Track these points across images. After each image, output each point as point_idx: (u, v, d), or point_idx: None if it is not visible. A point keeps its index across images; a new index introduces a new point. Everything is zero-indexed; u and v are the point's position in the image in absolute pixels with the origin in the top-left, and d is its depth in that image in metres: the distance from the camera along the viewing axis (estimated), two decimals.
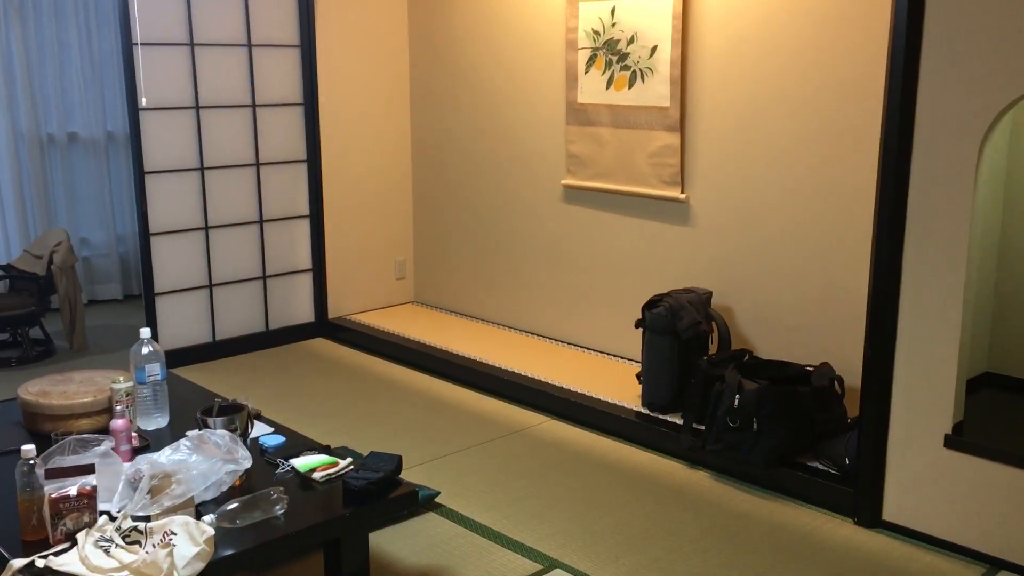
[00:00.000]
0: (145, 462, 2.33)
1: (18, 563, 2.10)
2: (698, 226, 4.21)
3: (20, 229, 5.84)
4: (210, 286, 4.98)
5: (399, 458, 2.61)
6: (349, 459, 2.65)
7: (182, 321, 4.91)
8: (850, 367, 3.58)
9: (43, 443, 2.53)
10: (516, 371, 4.44)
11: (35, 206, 5.91)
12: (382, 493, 2.52)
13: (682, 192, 4.22)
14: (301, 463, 2.62)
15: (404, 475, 2.65)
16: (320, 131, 5.19)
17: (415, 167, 5.61)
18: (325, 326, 5.40)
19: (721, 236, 4.12)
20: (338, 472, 2.58)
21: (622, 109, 4.38)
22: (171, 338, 4.84)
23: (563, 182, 4.74)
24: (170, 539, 2.15)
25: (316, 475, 2.57)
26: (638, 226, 4.47)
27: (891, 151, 2.94)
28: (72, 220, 6.09)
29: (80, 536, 2.17)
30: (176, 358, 4.73)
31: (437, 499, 3.29)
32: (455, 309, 5.52)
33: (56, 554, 2.13)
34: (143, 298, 4.82)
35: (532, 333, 5.06)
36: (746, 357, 3.76)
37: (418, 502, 2.67)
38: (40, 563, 2.10)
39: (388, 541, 3.00)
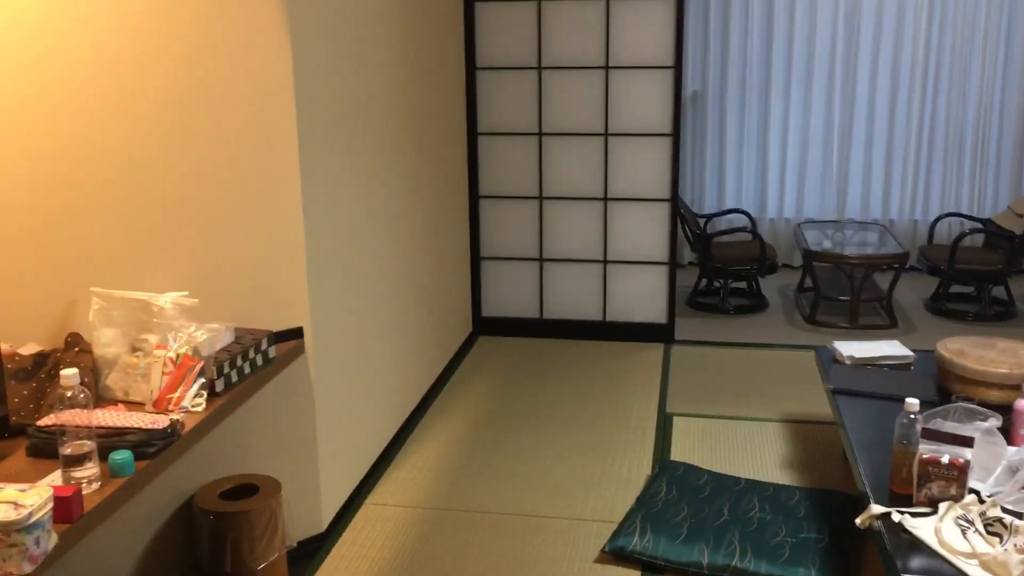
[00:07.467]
0: None
1: (878, 509, 2.14)
2: None
3: (1013, 184, 5.68)
4: None
5: None
6: None
7: None
8: None
9: (945, 402, 2.49)
10: None
11: None
12: None
13: None
14: None
15: None
16: None
17: None
18: None
19: None
20: None
21: None
22: None
23: None
24: None
25: None
26: None
27: None
28: None
29: (942, 506, 2.09)
30: None
31: None
32: None
33: (913, 515, 2.10)
34: None
35: None
36: None
37: None
38: (896, 517, 2.10)
39: None
